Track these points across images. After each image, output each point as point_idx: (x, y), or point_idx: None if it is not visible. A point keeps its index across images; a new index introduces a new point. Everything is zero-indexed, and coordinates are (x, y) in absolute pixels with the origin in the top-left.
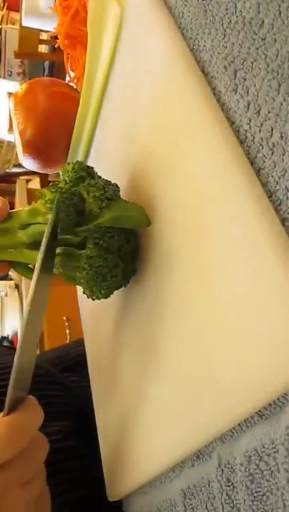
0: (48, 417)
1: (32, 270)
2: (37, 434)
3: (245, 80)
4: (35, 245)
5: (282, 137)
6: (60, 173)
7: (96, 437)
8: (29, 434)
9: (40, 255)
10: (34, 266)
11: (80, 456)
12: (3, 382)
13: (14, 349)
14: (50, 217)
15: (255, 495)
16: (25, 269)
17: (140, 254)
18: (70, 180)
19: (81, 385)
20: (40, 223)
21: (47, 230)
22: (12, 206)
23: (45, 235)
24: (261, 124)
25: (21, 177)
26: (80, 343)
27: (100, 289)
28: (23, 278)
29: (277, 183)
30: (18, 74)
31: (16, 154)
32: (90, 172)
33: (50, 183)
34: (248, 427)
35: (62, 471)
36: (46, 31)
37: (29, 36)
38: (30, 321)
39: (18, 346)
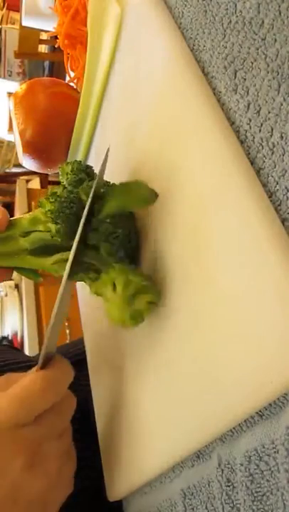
0: None
1: (38, 274)
2: (66, 391)
3: (245, 79)
4: (37, 251)
5: (282, 137)
6: (59, 173)
7: (96, 437)
8: (62, 388)
9: (68, 264)
10: (39, 271)
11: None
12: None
13: (14, 348)
14: (50, 225)
15: (255, 495)
16: (30, 273)
17: (140, 253)
18: (69, 184)
19: (80, 384)
20: (40, 231)
21: (75, 241)
22: (12, 206)
23: (73, 246)
24: (261, 124)
25: (21, 177)
26: (78, 343)
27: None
28: (23, 278)
29: (278, 183)
30: (18, 74)
31: (16, 154)
32: (89, 172)
33: (50, 191)
34: (248, 427)
35: None
36: (46, 31)
37: (29, 36)
38: (56, 324)
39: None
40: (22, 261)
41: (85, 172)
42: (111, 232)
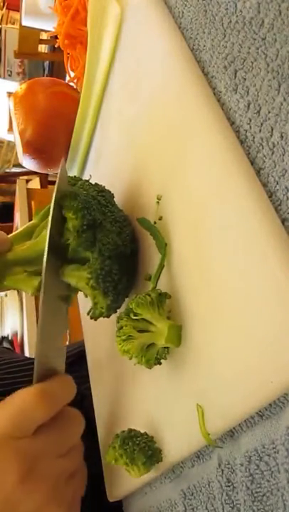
0: None
1: None
2: (73, 410)
3: (245, 79)
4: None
5: (282, 137)
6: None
7: (96, 437)
8: (59, 402)
9: (42, 278)
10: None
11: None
12: (2, 376)
13: (11, 351)
14: (99, 299)
15: (256, 495)
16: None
17: (140, 254)
18: (100, 254)
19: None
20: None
21: (45, 251)
22: (12, 206)
23: (44, 257)
24: (261, 124)
25: (21, 177)
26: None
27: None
28: None
29: (278, 183)
30: (18, 74)
31: (16, 154)
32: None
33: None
34: (248, 427)
35: None
36: (46, 31)
37: (29, 36)
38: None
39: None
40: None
41: (92, 228)
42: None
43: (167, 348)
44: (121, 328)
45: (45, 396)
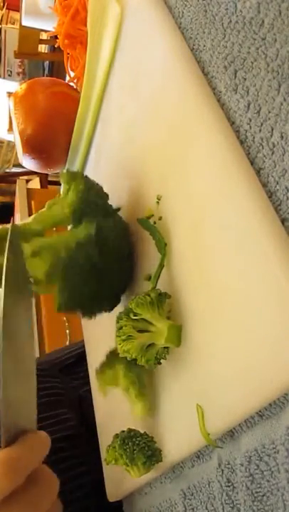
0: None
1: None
2: (47, 471)
3: (245, 79)
4: None
5: (282, 137)
6: None
7: (96, 437)
8: (27, 467)
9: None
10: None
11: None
12: None
13: None
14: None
15: (256, 495)
16: None
17: (140, 254)
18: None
19: (76, 386)
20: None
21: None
22: (12, 206)
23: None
24: (261, 124)
25: (21, 177)
26: (75, 345)
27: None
28: None
29: (278, 183)
30: (18, 74)
31: (16, 154)
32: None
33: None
34: (248, 427)
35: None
36: (46, 31)
37: (29, 36)
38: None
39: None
40: None
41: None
42: None
43: (167, 348)
44: (121, 328)
45: (11, 465)
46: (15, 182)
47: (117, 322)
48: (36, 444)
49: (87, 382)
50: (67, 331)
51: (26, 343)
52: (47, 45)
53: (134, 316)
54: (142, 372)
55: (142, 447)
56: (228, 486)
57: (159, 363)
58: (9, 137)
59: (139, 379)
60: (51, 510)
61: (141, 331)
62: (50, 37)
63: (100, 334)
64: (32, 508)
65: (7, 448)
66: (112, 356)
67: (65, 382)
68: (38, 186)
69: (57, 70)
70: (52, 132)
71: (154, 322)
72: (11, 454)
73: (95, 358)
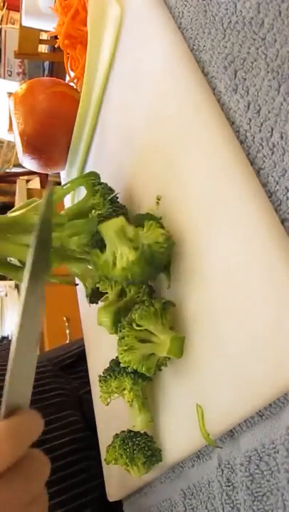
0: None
1: (13, 266)
2: (39, 454)
3: (245, 79)
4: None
5: (282, 137)
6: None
7: (96, 437)
8: (26, 440)
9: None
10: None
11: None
12: (1, 377)
13: None
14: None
15: (256, 495)
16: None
17: None
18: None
19: (75, 387)
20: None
21: (34, 232)
22: (12, 206)
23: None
24: (261, 124)
25: (21, 177)
26: (75, 344)
27: None
28: None
29: (278, 183)
30: (18, 74)
31: (16, 154)
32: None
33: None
34: (248, 427)
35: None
36: (46, 31)
37: (29, 36)
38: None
39: (10, 357)
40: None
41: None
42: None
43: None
44: (123, 338)
45: (12, 434)
46: (15, 182)
47: (119, 331)
48: (34, 419)
49: (87, 382)
50: (67, 331)
51: (35, 319)
52: (47, 45)
53: (138, 326)
54: (146, 385)
55: (142, 447)
56: (228, 486)
57: (160, 370)
58: (9, 137)
59: (142, 392)
60: (38, 498)
61: (142, 341)
62: (50, 37)
63: (100, 334)
64: (26, 487)
65: (8, 419)
66: (116, 366)
67: (67, 383)
68: (38, 186)
69: (57, 70)
70: (52, 132)
71: (157, 333)
72: (13, 424)
73: (95, 361)
